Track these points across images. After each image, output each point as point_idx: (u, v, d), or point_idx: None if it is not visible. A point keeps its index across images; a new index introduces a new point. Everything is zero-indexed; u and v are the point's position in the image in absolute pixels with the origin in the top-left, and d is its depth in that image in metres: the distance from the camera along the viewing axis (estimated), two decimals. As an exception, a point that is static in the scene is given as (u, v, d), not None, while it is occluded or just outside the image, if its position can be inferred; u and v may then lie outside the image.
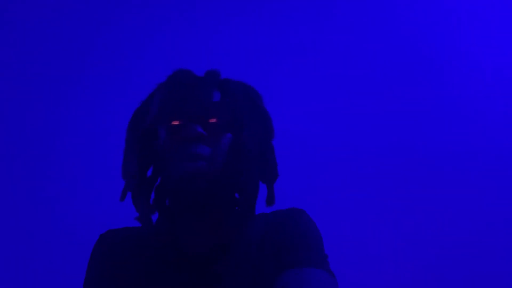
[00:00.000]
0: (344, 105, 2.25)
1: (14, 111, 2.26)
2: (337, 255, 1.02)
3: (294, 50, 2.32)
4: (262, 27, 2.35)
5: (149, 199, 1.00)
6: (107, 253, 1.00)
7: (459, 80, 2.28)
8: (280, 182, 1.05)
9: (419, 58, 2.31)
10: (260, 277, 0.95)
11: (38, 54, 2.32)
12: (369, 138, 2.21)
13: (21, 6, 2.35)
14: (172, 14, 2.38)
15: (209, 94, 1.00)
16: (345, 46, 2.32)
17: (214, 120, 0.98)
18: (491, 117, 2.23)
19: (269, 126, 1.06)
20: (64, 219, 2.11)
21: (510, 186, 2.15)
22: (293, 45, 2.33)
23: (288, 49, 2.32)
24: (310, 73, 2.29)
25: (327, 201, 2.04)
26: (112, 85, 2.29)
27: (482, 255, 2.06)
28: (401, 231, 2.08)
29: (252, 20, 2.35)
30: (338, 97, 2.26)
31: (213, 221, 0.99)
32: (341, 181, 2.13)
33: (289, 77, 2.28)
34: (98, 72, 2.31)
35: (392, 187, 2.13)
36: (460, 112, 2.23)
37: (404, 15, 2.36)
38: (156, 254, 0.98)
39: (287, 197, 1.10)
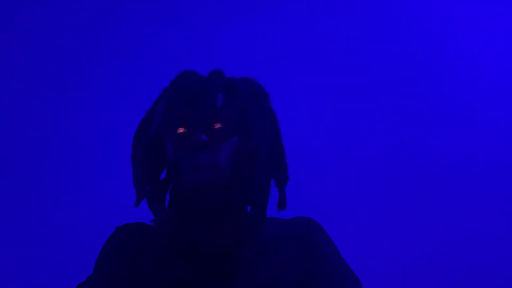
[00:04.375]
0: (347, 106, 2.25)
1: (14, 111, 2.26)
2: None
3: (295, 49, 2.32)
4: (265, 26, 2.34)
5: (164, 203, 1.00)
6: (122, 248, 0.99)
7: (460, 80, 2.28)
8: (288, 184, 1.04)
9: (422, 58, 2.31)
10: (275, 282, 0.95)
11: (38, 53, 2.32)
12: (373, 139, 2.21)
13: (21, 6, 2.35)
14: (174, 13, 2.38)
15: (214, 97, 0.98)
16: (349, 46, 2.32)
17: (219, 125, 0.96)
18: (492, 117, 2.24)
19: (277, 127, 1.04)
20: (62, 221, 2.11)
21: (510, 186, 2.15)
22: (295, 45, 2.32)
23: (290, 48, 2.32)
24: (312, 74, 2.29)
25: (321, 202, 2.05)
26: (111, 85, 2.29)
27: (482, 255, 2.06)
28: (406, 234, 2.08)
29: (255, 19, 2.35)
30: (342, 97, 2.26)
31: (226, 222, 0.99)
32: (346, 182, 2.13)
33: (290, 77, 2.28)
34: (98, 72, 2.31)
35: (395, 189, 2.14)
36: (463, 113, 2.23)
37: (405, 15, 2.36)
38: (170, 250, 0.98)
39: (294, 200, 1.10)
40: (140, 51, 2.32)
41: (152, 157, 1.00)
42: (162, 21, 2.36)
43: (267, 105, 1.04)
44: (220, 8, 2.36)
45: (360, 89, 2.28)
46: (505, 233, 2.09)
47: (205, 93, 0.98)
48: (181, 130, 0.96)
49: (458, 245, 2.08)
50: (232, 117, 0.98)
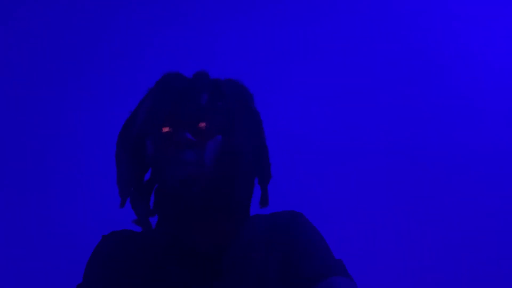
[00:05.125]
0: (347, 105, 2.25)
1: (14, 111, 2.26)
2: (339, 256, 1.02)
3: (295, 49, 2.32)
4: (259, 27, 2.34)
5: (148, 203, 1.01)
6: (111, 253, 1.00)
7: (461, 80, 2.28)
8: (273, 183, 1.05)
9: (422, 58, 2.31)
10: (261, 277, 0.95)
11: (37, 54, 2.32)
12: (372, 139, 2.21)
13: (21, 6, 2.35)
14: (174, 13, 2.38)
15: (198, 97, 0.99)
16: (349, 46, 2.32)
17: (203, 124, 0.97)
18: (493, 117, 2.24)
19: (260, 127, 1.06)
20: (62, 221, 2.11)
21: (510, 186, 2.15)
22: (295, 44, 2.33)
23: (290, 48, 2.32)
24: (311, 74, 2.29)
25: (321, 202, 2.05)
26: (110, 85, 2.29)
27: (482, 255, 2.06)
28: (401, 233, 2.08)
29: (249, 20, 2.35)
30: (342, 97, 2.26)
31: (211, 221, 0.99)
32: (345, 182, 2.13)
33: (290, 77, 2.28)
34: (97, 72, 2.31)
35: (395, 189, 2.14)
36: (464, 112, 2.23)
37: (405, 14, 2.36)
38: (158, 253, 0.99)
39: (280, 198, 1.11)
40: (139, 51, 2.33)
41: (136, 157, 1.01)
42: (162, 21, 2.37)
43: (251, 105, 1.06)
44: (220, 8, 2.36)
45: (359, 89, 2.28)
46: (505, 233, 2.09)
47: (189, 93, 1.00)
48: (166, 129, 0.98)
49: (457, 245, 2.08)
50: (216, 116, 0.99)
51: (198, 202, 0.96)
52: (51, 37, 2.34)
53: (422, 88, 2.28)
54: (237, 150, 0.99)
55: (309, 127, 2.19)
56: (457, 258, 2.06)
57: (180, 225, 0.99)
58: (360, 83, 2.29)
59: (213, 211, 0.99)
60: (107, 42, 2.35)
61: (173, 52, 2.29)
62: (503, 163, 2.18)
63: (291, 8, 2.38)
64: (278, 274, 0.95)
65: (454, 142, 2.20)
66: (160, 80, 1.04)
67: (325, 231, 1.05)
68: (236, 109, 1.02)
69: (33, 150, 2.22)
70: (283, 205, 1.08)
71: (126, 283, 0.95)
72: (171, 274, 0.96)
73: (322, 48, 2.31)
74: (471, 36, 2.32)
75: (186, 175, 0.94)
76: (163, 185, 0.98)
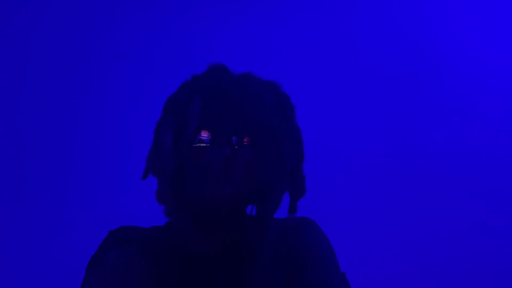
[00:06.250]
0: (347, 105, 2.25)
1: (14, 111, 2.26)
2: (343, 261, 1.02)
3: (295, 49, 2.31)
4: (265, 26, 2.34)
5: (178, 202, 0.95)
6: (119, 251, 0.96)
7: (462, 81, 2.27)
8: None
9: (423, 58, 2.31)
10: (267, 282, 0.94)
11: (37, 53, 2.32)
12: (372, 139, 2.21)
13: (21, 6, 2.35)
14: (174, 12, 2.37)
15: (245, 106, 0.93)
16: (349, 45, 2.32)
17: (247, 139, 0.92)
18: (492, 116, 2.23)
19: (300, 144, 1.00)
20: (62, 221, 2.11)
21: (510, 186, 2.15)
22: (294, 44, 2.32)
23: (290, 48, 2.32)
24: (312, 73, 2.29)
25: (326, 204, 2.04)
26: (110, 85, 2.29)
27: (482, 255, 2.06)
28: (405, 233, 2.08)
29: (249, 19, 2.35)
30: (342, 97, 2.25)
31: (223, 225, 0.96)
32: (345, 182, 2.13)
33: (290, 76, 2.27)
34: (96, 71, 2.31)
35: (395, 189, 2.13)
36: (464, 113, 2.23)
37: (406, 14, 2.36)
38: (165, 253, 0.98)
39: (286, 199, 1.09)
40: (139, 51, 2.32)
41: (177, 147, 0.93)
42: (162, 21, 2.36)
43: (293, 122, 1.01)
44: (220, 8, 2.36)
45: (359, 89, 2.28)
46: (506, 233, 2.08)
47: (237, 99, 0.93)
48: (205, 134, 0.92)
49: (458, 245, 2.08)
50: (258, 130, 0.93)
51: (224, 220, 0.92)
52: (50, 37, 2.33)
53: (422, 88, 2.28)
54: (274, 169, 0.94)
55: (309, 126, 2.18)
56: (457, 258, 2.06)
57: (193, 228, 0.97)
58: (360, 83, 2.28)
59: (233, 218, 0.95)
60: (106, 42, 2.34)
61: (173, 52, 2.29)
62: (503, 163, 2.18)
63: (291, 7, 2.38)
64: (283, 279, 0.93)
65: (454, 142, 2.19)
66: (209, 73, 0.98)
67: (323, 230, 1.04)
68: (278, 125, 0.96)
69: (33, 150, 2.22)
70: (284, 205, 1.07)
71: (131, 285, 0.92)
72: (178, 276, 0.95)
73: (322, 48, 2.31)
74: (471, 36, 2.32)
75: (220, 196, 0.89)
76: (188, 195, 0.92)
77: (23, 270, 2.05)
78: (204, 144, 0.92)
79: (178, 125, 0.94)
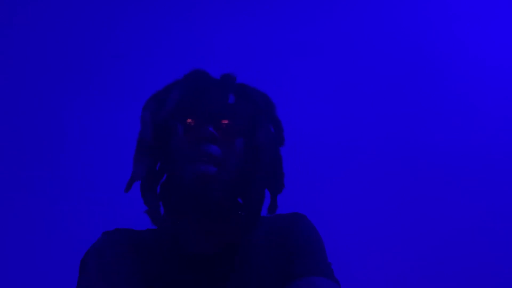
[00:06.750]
0: (346, 105, 2.25)
1: (14, 111, 2.26)
2: (336, 259, 1.02)
3: (294, 49, 2.32)
4: (265, 25, 2.34)
5: (156, 193, 1.00)
6: (112, 251, 0.98)
7: (462, 81, 2.27)
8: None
9: (422, 58, 2.31)
10: (263, 279, 0.95)
11: (36, 53, 2.32)
12: (372, 139, 2.21)
13: (21, 5, 2.35)
14: (173, 13, 2.37)
15: (225, 96, 1.00)
16: (348, 45, 2.32)
17: (226, 121, 0.98)
18: (492, 116, 2.23)
19: (281, 134, 1.06)
20: (61, 221, 2.11)
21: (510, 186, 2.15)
22: (294, 44, 2.32)
23: (289, 48, 2.32)
24: (311, 73, 2.29)
25: (325, 204, 2.04)
26: (110, 85, 2.29)
27: (482, 255, 2.06)
28: (403, 236, 2.08)
29: (248, 18, 2.35)
30: (341, 97, 2.25)
31: (217, 223, 0.99)
32: (341, 183, 2.13)
33: (289, 76, 2.28)
34: (96, 71, 2.31)
35: (394, 189, 2.13)
36: (464, 113, 2.23)
37: (406, 14, 2.36)
38: (160, 254, 0.98)
39: (286, 199, 1.10)
40: (139, 51, 2.32)
41: (157, 141, 1.00)
42: (162, 21, 2.36)
43: (275, 114, 1.06)
44: (220, 8, 2.36)
45: (359, 89, 2.28)
46: (506, 233, 2.08)
47: (217, 91, 1.01)
48: (189, 120, 0.98)
49: (458, 245, 2.08)
50: (240, 117, 1.00)
51: (210, 201, 0.95)
52: (51, 37, 2.33)
53: (422, 88, 2.28)
54: (257, 155, 0.99)
55: (308, 127, 2.19)
56: (457, 258, 2.06)
57: (185, 224, 0.98)
58: (360, 83, 2.28)
59: (225, 214, 0.99)
60: (106, 42, 2.34)
61: (172, 52, 2.29)
62: (503, 163, 2.18)
63: (291, 7, 2.38)
64: (278, 275, 0.94)
65: (456, 142, 2.20)
66: (189, 74, 1.04)
67: (323, 231, 1.05)
68: (260, 115, 1.03)
69: (33, 150, 2.22)
70: (283, 205, 1.07)
71: (127, 285, 0.94)
72: (173, 276, 0.95)
73: (322, 48, 2.31)
74: (471, 36, 2.32)
75: (206, 171, 0.92)
76: (178, 178, 0.96)
77: (23, 270, 2.05)
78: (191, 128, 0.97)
79: (157, 107, 1.02)
